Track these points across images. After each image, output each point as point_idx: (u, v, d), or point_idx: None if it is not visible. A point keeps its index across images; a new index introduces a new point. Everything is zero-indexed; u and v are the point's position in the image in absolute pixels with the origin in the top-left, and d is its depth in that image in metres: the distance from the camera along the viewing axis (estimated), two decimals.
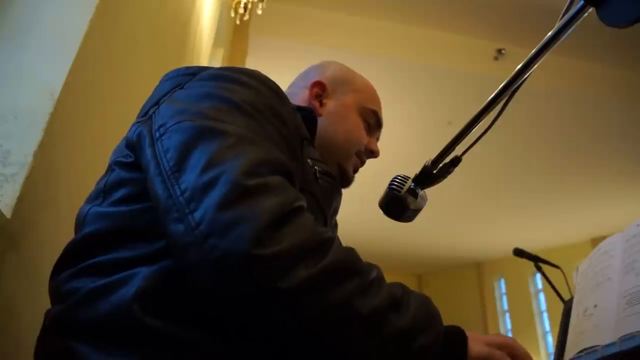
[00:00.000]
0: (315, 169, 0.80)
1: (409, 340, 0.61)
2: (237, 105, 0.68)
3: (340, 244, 0.63)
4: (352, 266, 0.61)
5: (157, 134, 0.66)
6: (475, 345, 0.67)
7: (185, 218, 0.57)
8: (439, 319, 0.65)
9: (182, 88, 0.75)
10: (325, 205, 0.81)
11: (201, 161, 0.60)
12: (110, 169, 0.74)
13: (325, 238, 0.60)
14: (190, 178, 0.59)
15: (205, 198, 0.57)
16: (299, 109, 0.85)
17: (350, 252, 0.63)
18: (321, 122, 0.96)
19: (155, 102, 0.76)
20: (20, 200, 0.85)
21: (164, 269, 0.61)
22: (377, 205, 0.88)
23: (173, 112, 0.68)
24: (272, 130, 0.70)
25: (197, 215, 0.56)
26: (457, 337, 0.67)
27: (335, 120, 0.99)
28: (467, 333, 0.68)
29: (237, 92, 0.70)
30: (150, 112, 0.73)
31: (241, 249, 0.54)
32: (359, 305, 0.58)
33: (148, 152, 0.66)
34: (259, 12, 4.16)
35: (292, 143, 0.73)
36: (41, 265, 0.93)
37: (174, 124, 0.66)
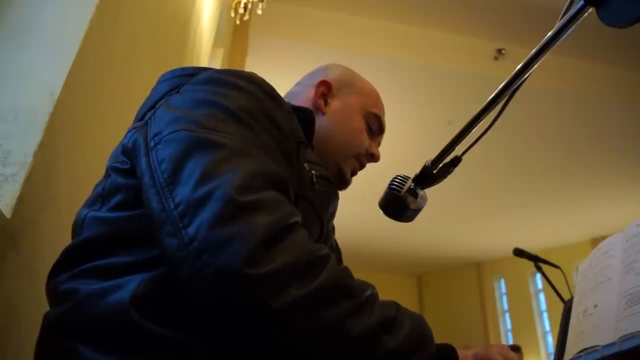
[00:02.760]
0: (312, 173, 0.80)
1: None
2: (232, 113, 0.67)
3: (335, 261, 0.63)
4: (345, 286, 0.60)
5: (152, 143, 0.66)
6: None
7: (178, 232, 0.57)
8: (431, 340, 0.66)
9: (178, 92, 0.74)
10: (322, 211, 0.80)
11: (195, 174, 0.59)
12: (107, 174, 0.74)
13: (319, 256, 0.60)
14: (184, 191, 0.59)
15: (199, 213, 0.56)
16: (295, 109, 0.84)
17: (344, 271, 0.63)
18: (324, 121, 0.97)
19: (151, 106, 0.75)
20: (20, 200, 0.85)
21: (162, 275, 0.61)
22: (377, 205, 0.88)
23: (169, 120, 0.67)
24: (267, 137, 0.69)
25: (191, 230, 0.56)
26: (449, 357, 0.69)
27: (339, 119, 0.99)
28: (459, 351, 0.70)
29: (233, 98, 0.70)
30: (147, 117, 0.73)
31: (234, 267, 0.53)
32: (351, 325, 0.58)
33: (143, 161, 0.65)
34: (259, 12, 4.16)
35: (288, 148, 0.73)
36: (41, 265, 0.93)
37: (168, 133, 0.65)
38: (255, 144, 0.66)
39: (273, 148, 0.69)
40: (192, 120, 0.66)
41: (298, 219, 0.62)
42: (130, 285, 0.60)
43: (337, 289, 0.59)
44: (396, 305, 0.67)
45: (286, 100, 0.83)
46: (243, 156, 0.62)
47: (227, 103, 0.69)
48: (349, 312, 0.59)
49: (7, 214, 0.83)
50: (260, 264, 0.54)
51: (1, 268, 0.82)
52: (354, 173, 1.02)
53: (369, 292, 0.63)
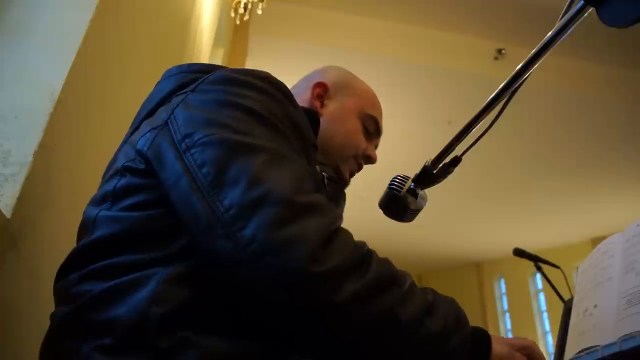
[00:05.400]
0: (323, 175, 0.81)
1: (442, 341, 0.64)
2: (260, 116, 0.68)
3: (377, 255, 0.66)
4: (392, 276, 0.64)
5: (183, 146, 0.65)
6: (498, 345, 0.71)
7: (233, 235, 0.58)
8: (466, 321, 0.69)
9: (193, 91, 0.73)
10: None
11: (243, 177, 0.60)
12: (119, 173, 0.72)
13: (366, 252, 0.64)
14: (234, 195, 0.60)
15: (255, 216, 0.58)
16: (305, 111, 0.84)
17: (388, 263, 0.66)
18: (320, 122, 0.97)
19: (159, 102, 0.74)
20: (20, 200, 0.85)
21: (180, 271, 0.61)
22: (377, 205, 0.88)
23: (196, 122, 0.67)
24: (293, 141, 0.71)
25: (247, 233, 0.57)
26: (482, 338, 0.70)
27: (335, 121, 0.99)
28: (490, 334, 0.71)
29: (255, 100, 0.70)
30: (162, 116, 0.71)
31: (298, 267, 0.56)
32: (399, 312, 0.61)
33: (177, 165, 0.64)
34: (259, 12, 4.16)
35: (306, 151, 0.74)
36: (41, 265, 0.93)
37: (202, 137, 0.64)
38: (288, 147, 0.68)
39: (299, 151, 0.71)
40: (223, 124, 0.66)
41: (341, 220, 0.66)
42: (150, 283, 0.60)
43: (386, 280, 0.63)
44: (432, 290, 0.69)
45: None
46: (283, 159, 0.65)
47: (252, 105, 0.69)
48: (397, 300, 0.62)
49: (7, 214, 0.83)
50: (322, 263, 0.57)
51: (1, 268, 0.82)
52: (352, 174, 1.02)
53: (409, 280, 0.66)
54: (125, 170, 0.72)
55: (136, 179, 0.70)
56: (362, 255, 0.62)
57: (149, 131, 0.72)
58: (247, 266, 0.57)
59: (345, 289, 0.58)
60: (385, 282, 0.62)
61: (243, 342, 0.60)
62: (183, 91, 0.74)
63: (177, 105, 0.71)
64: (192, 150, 0.64)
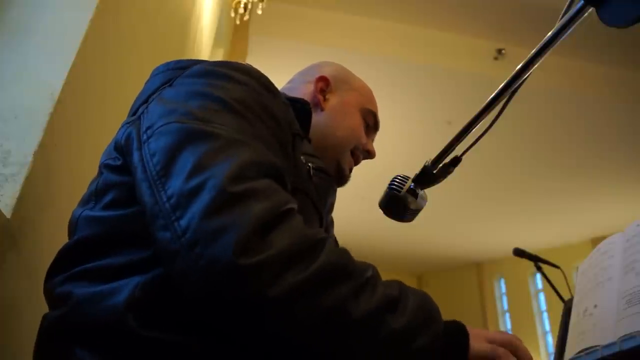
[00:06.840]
0: (309, 166, 0.80)
1: (406, 341, 0.59)
2: (227, 104, 0.66)
3: (334, 244, 0.61)
4: (343, 268, 0.59)
5: (145, 137, 0.65)
6: (477, 342, 0.65)
7: (171, 225, 0.56)
8: (439, 318, 0.64)
9: (171, 85, 0.73)
10: (320, 204, 0.80)
11: (187, 166, 0.58)
12: (99, 172, 0.73)
13: (316, 240, 0.58)
14: (176, 184, 0.58)
15: (191, 205, 0.55)
16: (291, 100, 0.83)
17: (343, 253, 0.61)
18: (323, 117, 0.97)
19: (144, 100, 0.74)
20: (20, 200, 0.85)
21: (157, 276, 0.60)
22: (377, 205, 0.88)
23: (161, 113, 0.66)
24: (262, 128, 0.68)
25: (183, 222, 0.55)
26: (458, 336, 0.65)
27: (338, 115, 0.99)
28: (469, 329, 0.66)
29: (227, 90, 0.69)
30: (140, 111, 0.71)
31: (226, 258, 0.52)
32: (353, 308, 0.57)
33: (135, 155, 0.64)
34: (259, 12, 4.16)
35: (284, 140, 0.72)
36: (41, 265, 0.92)
37: (161, 126, 0.64)
38: (250, 134, 0.65)
39: (269, 138, 0.68)
40: (185, 112, 0.65)
41: (293, 205, 0.60)
42: (126, 289, 0.59)
43: (336, 272, 0.57)
44: (399, 284, 0.64)
45: None
46: (237, 146, 0.61)
47: (221, 94, 0.68)
48: (349, 295, 0.57)
49: (7, 214, 0.83)
50: (254, 253, 0.53)
51: (1, 268, 0.82)
52: (350, 169, 1.02)
53: (369, 273, 0.61)
54: (104, 167, 0.72)
55: (113, 175, 0.70)
56: (310, 244, 0.57)
57: (126, 124, 0.72)
58: (181, 258, 0.54)
59: (283, 281, 0.53)
60: (335, 275, 0.57)
61: (226, 345, 0.59)
62: (163, 86, 0.74)
63: (154, 99, 0.71)
64: (150, 140, 0.64)
